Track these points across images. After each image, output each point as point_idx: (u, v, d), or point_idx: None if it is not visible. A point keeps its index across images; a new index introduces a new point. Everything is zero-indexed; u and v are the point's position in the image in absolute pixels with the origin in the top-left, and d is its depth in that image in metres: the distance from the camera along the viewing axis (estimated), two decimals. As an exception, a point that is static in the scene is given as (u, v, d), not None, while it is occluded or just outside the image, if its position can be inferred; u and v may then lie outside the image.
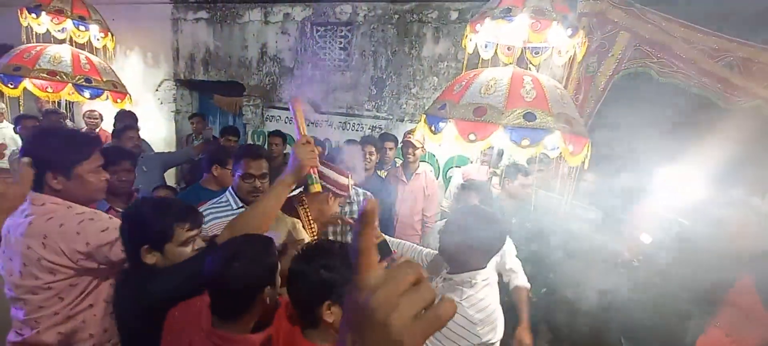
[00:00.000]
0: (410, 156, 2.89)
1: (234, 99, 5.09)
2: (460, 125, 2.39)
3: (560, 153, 2.30)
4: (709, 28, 3.20)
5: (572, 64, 3.07)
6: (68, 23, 4.38)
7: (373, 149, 2.84)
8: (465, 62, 3.13)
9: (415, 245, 2.15)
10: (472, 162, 3.57)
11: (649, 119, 3.47)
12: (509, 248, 2.22)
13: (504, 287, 2.29)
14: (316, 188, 1.41)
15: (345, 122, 4.17)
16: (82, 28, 4.49)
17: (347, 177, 1.71)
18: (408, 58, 3.85)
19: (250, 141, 4.67)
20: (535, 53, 3.06)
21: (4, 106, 4.50)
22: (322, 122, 4.26)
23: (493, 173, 3.02)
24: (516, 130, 2.24)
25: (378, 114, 4.03)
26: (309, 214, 1.61)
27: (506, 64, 3.00)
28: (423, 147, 2.96)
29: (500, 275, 2.17)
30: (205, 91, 5.29)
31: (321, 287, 0.98)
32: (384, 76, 3.97)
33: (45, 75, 4.07)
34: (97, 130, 4.61)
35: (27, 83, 4.02)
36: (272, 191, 1.22)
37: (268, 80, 4.52)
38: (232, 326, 1.01)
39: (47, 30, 4.40)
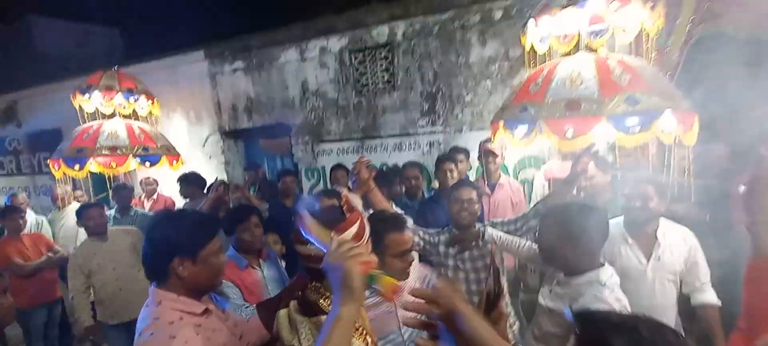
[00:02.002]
0: (492, 165, 2.73)
1: (281, 141, 5.09)
2: (553, 124, 2.22)
3: (674, 134, 2.09)
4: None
5: (642, 42, 2.85)
6: (118, 98, 4.48)
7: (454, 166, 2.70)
8: (528, 60, 2.97)
9: (515, 238, 1.96)
10: (545, 161, 3.37)
11: (733, 82, 3.16)
12: (698, 252, 1.83)
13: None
14: (389, 282, 0.90)
15: (399, 143, 4.05)
16: (131, 99, 4.58)
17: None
18: (456, 67, 3.73)
19: (304, 178, 4.63)
20: (594, 37, 2.87)
21: (81, 190, 4.62)
22: (377, 147, 4.16)
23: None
24: (621, 118, 2.06)
25: (433, 129, 3.90)
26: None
27: (564, 55, 2.82)
28: (502, 154, 2.80)
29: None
30: (251, 139, 5.32)
31: None
32: (433, 90, 3.85)
33: (106, 152, 4.19)
34: (156, 195, 4.69)
35: (91, 163, 4.12)
36: (332, 334, 0.80)
37: (314, 116, 4.48)
38: None
39: (96, 108, 4.53)
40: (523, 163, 3.53)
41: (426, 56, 3.83)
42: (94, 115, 4.57)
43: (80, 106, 4.51)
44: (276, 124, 4.79)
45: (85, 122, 4.53)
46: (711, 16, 3.01)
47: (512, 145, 2.61)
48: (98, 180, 4.90)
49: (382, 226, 1.43)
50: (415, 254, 1.66)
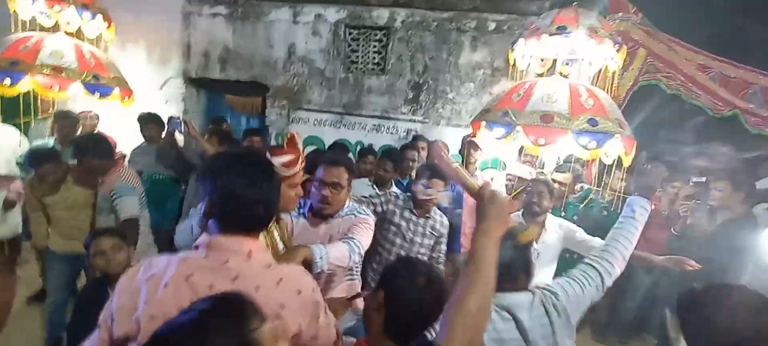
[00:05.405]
0: (472, 157, 3.33)
1: (250, 99, 5.25)
2: (529, 130, 2.88)
3: (617, 154, 2.87)
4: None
5: (602, 77, 3.67)
6: (70, 11, 4.21)
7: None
8: (511, 73, 3.64)
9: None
10: (505, 164, 4.09)
11: (657, 126, 4.18)
12: (574, 228, 2.51)
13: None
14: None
15: (379, 125, 4.53)
16: (84, 16, 4.32)
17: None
18: (445, 65, 4.33)
19: (273, 142, 4.87)
20: (566, 64, 3.64)
21: None
22: (355, 125, 4.59)
23: (540, 173, 3.55)
24: (581, 135, 2.77)
25: (414, 118, 4.45)
26: None
27: (538, 74, 3.56)
28: (481, 150, 3.43)
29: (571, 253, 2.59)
30: (216, 91, 5.39)
31: None
32: (421, 81, 4.40)
33: (48, 71, 3.83)
34: (96, 132, 4.49)
35: (28, 80, 3.83)
36: (484, 253, 0.92)
37: (296, 81, 4.77)
38: None
39: (33, 17, 4.23)
40: (484, 164, 4.23)
41: (419, 48, 4.37)
42: (26, 25, 4.20)
43: (15, 10, 4.12)
44: (250, 82, 4.97)
45: (17, 30, 4.13)
46: (652, 69, 3.98)
47: (488, 144, 3.26)
48: (10, 102, 4.28)
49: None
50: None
